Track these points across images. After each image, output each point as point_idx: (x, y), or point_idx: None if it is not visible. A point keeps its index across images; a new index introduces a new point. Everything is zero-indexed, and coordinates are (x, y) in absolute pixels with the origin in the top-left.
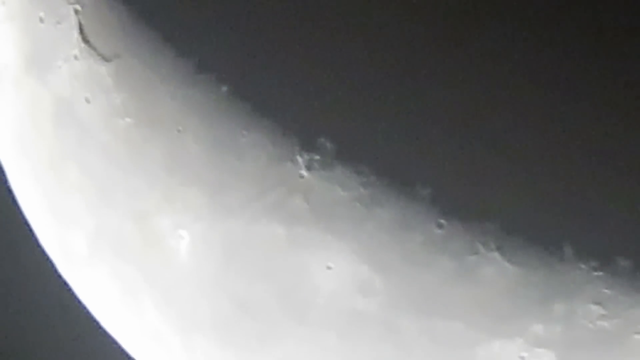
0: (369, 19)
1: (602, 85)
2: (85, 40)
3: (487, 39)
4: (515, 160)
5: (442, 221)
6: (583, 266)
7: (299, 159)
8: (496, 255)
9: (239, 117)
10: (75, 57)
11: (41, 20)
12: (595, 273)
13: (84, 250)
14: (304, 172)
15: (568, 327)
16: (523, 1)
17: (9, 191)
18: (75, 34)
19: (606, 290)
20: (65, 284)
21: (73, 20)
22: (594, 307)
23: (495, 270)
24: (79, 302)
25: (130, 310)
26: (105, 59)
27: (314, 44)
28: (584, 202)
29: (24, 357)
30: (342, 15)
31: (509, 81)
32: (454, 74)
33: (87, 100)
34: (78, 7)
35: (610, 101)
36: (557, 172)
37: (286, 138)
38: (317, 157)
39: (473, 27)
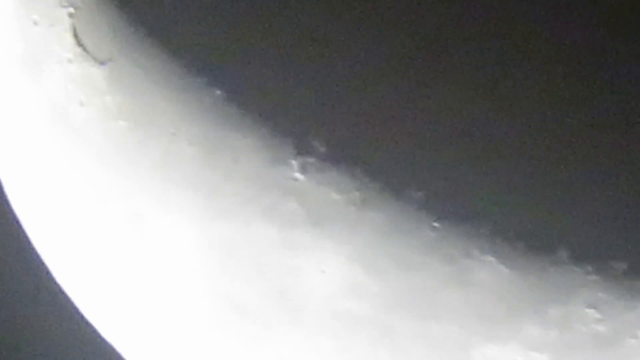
0: (364, 21)
1: (597, 87)
2: (79, 43)
3: (476, 42)
4: (509, 163)
5: (436, 224)
6: (578, 270)
7: (293, 162)
8: (490, 258)
9: (233, 120)
10: (69, 60)
11: (35, 23)
12: (590, 277)
13: (79, 253)
14: (298, 175)
15: (563, 331)
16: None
17: (4, 195)
18: (69, 37)
19: (601, 294)
20: (61, 288)
21: (67, 23)
22: (589, 311)
23: (490, 274)
24: (74, 306)
25: (127, 314)
26: (99, 62)
27: (308, 47)
28: (578, 206)
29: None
30: (337, 17)
31: (503, 83)
32: (447, 76)
33: (81, 103)
34: (72, 10)
35: (604, 104)
36: (552, 175)
37: (280, 141)
38: (311, 160)
39: (463, 29)
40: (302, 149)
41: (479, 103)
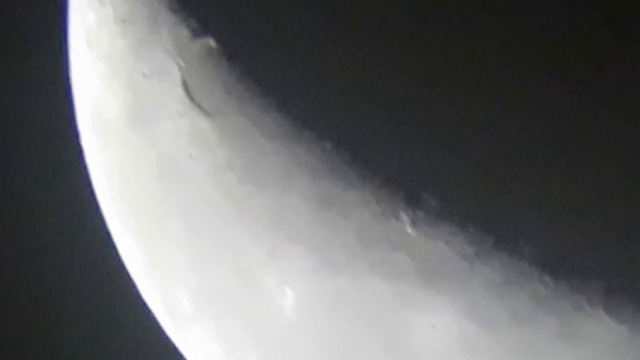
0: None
1: None
2: (189, 96)
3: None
4: (620, 217)
5: (547, 278)
6: None
7: (404, 216)
8: (602, 312)
9: (343, 174)
10: (179, 113)
11: (145, 76)
12: None
13: (187, 307)
14: (409, 229)
15: None
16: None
17: (113, 247)
18: (179, 90)
19: None
20: (168, 341)
21: (177, 76)
22: None
23: (601, 328)
24: (179, 353)
25: None
26: (209, 115)
27: (418, 103)
28: None
29: None
30: (456, 66)
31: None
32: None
33: (191, 156)
34: (182, 63)
35: None
36: None
37: (391, 194)
38: (422, 214)
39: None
40: (412, 203)
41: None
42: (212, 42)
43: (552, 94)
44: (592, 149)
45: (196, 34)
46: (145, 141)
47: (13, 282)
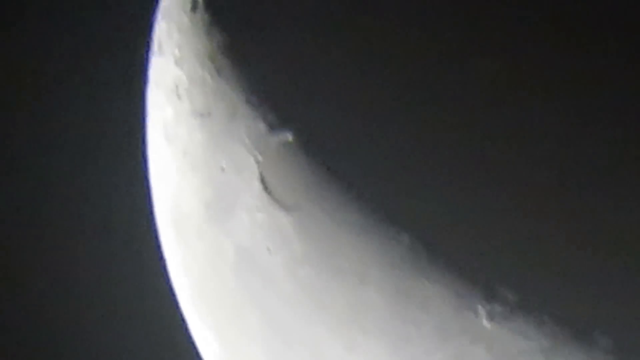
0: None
1: None
2: (267, 190)
3: None
4: None
5: None
6: None
7: (481, 309)
8: None
9: (420, 267)
10: (257, 207)
11: (223, 170)
12: None
13: None
14: (486, 322)
15: None
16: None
17: (190, 340)
18: (257, 183)
19: None
20: None
21: (254, 170)
22: None
23: None
24: None
25: None
26: (287, 209)
27: (495, 201)
28: None
29: None
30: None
31: None
32: None
33: (269, 250)
34: (259, 157)
35: None
36: None
37: (468, 288)
38: (499, 307)
39: None
40: (490, 297)
41: None
42: (289, 136)
43: None
44: None
45: (274, 128)
46: (223, 235)
47: None
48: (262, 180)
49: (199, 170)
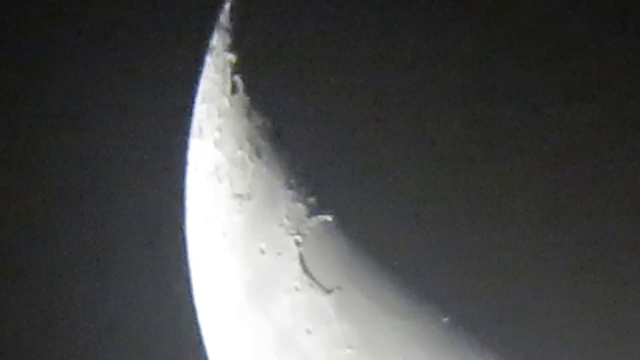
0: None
1: None
2: (306, 271)
3: None
4: None
5: None
6: None
7: None
8: None
9: (460, 349)
10: (296, 288)
11: (262, 251)
12: None
13: None
14: None
15: None
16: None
17: None
18: (296, 265)
19: None
20: None
21: (294, 252)
22: None
23: None
24: None
25: None
26: (326, 290)
27: (527, 291)
28: None
29: None
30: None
31: None
32: None
33: (309, 331)
34: (299, 238)
35: None
36: None
37: None
38: None
39: None
40: None
41: None
42: (328, 218)
43: None
44: None
45: (313, 209)
46: (263, 316)
47: None
48: (302, 262)
49: (239, 251)
